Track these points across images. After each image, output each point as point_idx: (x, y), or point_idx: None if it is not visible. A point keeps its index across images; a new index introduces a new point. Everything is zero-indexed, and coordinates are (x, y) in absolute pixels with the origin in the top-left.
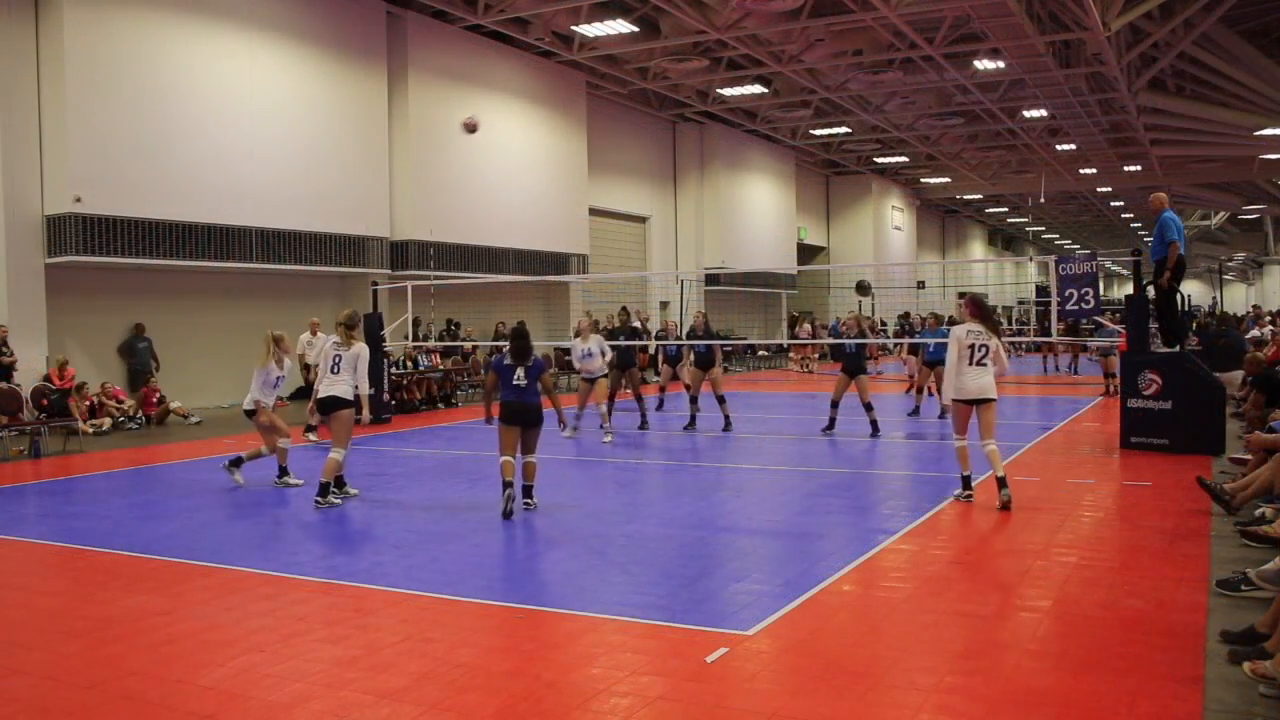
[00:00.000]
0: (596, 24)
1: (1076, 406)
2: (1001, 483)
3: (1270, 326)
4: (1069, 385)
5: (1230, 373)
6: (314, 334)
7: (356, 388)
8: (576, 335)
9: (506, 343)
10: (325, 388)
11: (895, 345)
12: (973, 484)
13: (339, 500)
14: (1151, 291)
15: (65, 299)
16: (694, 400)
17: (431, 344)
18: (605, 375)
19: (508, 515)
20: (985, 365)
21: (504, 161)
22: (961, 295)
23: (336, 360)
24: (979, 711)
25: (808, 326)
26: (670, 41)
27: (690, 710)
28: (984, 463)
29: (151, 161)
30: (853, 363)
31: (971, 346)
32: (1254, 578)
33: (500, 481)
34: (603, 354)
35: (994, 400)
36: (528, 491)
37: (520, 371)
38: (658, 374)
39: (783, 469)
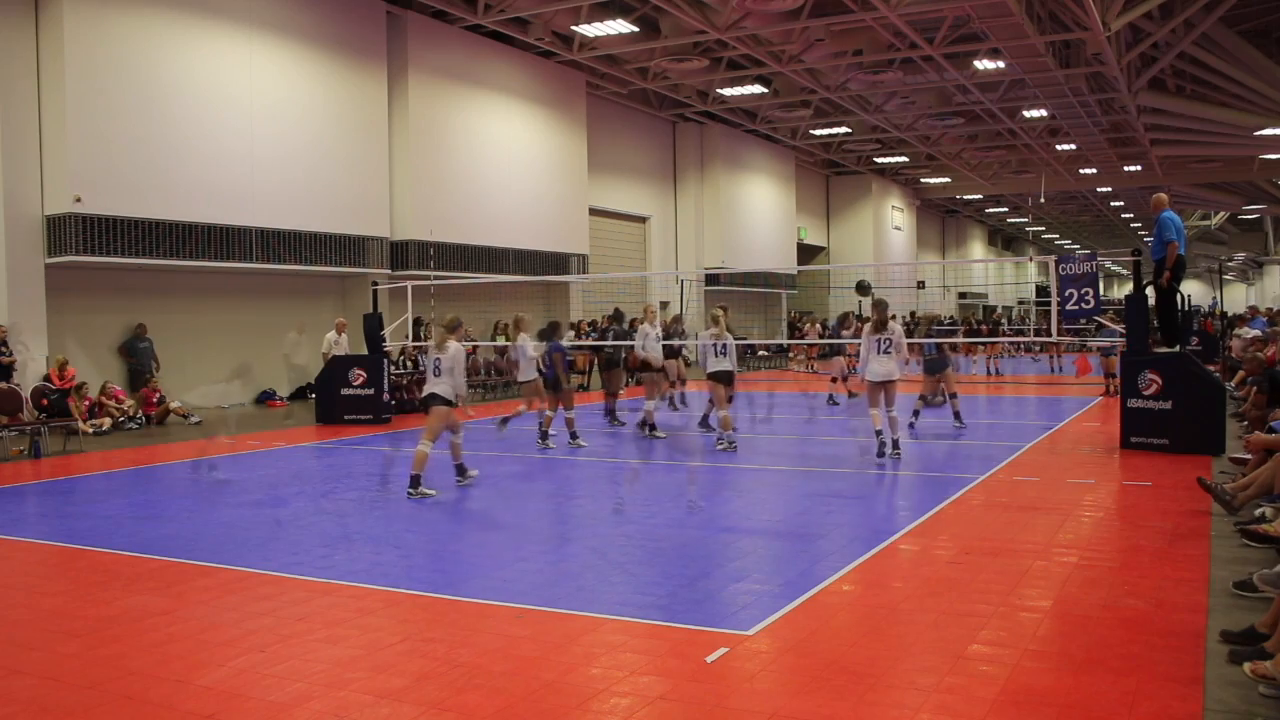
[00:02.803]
0: (596, 24)
1: (1076, 406)
2: (895, 444)
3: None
4: (1068, 385)
5: None
6: (339, 333)
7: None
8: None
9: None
10: (428, 387)
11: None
12: (885, 439)
13: (432, 491)
14: (1151, 291)
15: (65, 299)
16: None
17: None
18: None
19: (542, 439)
20: (889, 354)
21: (504, 161)
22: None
23: (437, 364)
24: (979, 711)
25: (818, 326)
26: (670, 41)
27: (690, 710)
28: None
29: (151, 161)
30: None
31: (878, 340)
32: (1257, 582)
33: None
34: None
35: (895, 380)
36: (573, 436)
37: (542, 351)
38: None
39: (783, 469)
